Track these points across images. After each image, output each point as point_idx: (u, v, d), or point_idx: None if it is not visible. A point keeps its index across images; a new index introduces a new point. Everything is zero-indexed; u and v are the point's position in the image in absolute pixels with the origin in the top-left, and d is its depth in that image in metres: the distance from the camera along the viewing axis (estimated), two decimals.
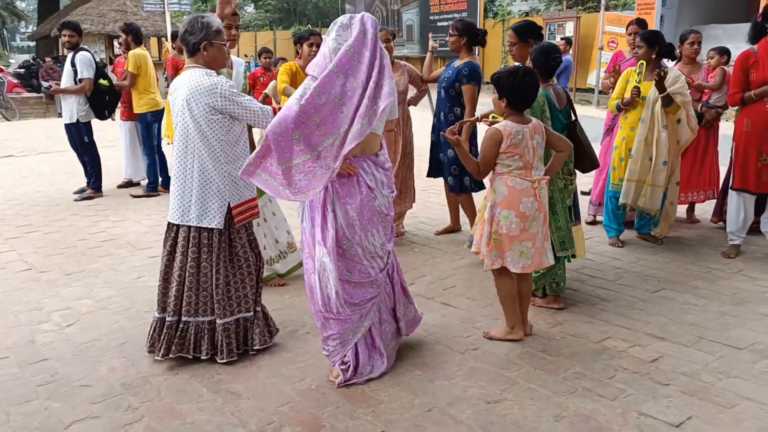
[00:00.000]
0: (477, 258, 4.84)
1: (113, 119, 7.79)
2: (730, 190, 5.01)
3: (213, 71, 3.22)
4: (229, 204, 3.26)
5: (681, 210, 5.80)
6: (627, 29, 6.00)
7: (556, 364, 3.31)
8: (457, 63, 5.12)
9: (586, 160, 4.08)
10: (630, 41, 5.93)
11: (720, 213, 5.71)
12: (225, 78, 3.22)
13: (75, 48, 6.97)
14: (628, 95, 4.96)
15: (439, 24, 22.89)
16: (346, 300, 3.10)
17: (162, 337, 3.34)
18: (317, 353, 3.42)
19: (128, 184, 7.82)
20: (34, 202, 7.08)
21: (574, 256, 4.04)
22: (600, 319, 3.86)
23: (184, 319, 3.33)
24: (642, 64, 4.95)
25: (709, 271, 4.67)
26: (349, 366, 3.17)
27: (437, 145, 5.33)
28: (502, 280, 3.55)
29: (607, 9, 16.97)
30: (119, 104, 7.52)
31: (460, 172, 5.17)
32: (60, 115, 11.45)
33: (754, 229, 5.17)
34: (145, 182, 7.49)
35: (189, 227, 3.27)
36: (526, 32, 4.30)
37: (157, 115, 7.23)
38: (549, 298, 4.06)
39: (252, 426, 2.83)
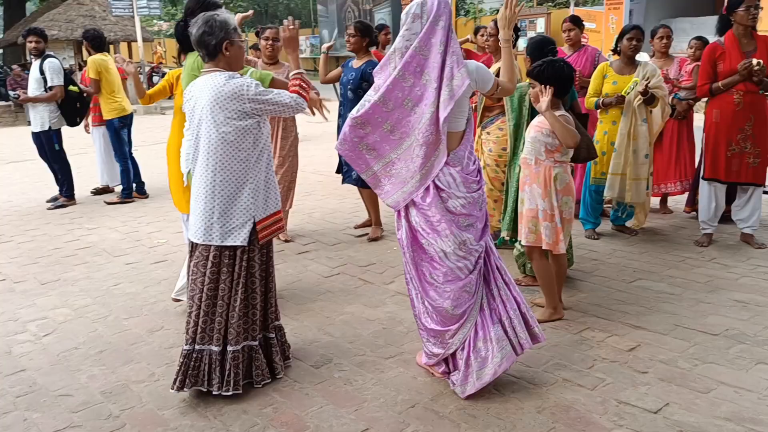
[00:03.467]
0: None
1: (87, 130, 7.71)
2: (701, 180, 5.10)
3: (236, 73, 2.99)
4: (254, 219, 3.02)
5: (654, 201, 5.89)
6: (562, 26, 5.98)
7: (536, 356, 3.34)
8: (357, 63, 5.20)
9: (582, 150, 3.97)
10: (565, 38, 5.96)
11: (693, 203, 5.81)
12: (249, 78, 2.98)
13: (41, 55, 6.88)
14: (607, 90, 5.03)
15: None
16: (432, 306, 2.99)
17: (179, 367, 3.03)
18: (299, 353, 3.42)
19: (104, 190, 7.73)
20: (7, 212, 6.97)
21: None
22: (578, 310, 3.91)
23: (197, 347, 3.02)
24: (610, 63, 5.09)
25: (683, 260, 4.75)
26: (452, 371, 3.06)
27: None
28: (543, 263, 3.74)
29: (576, 5, 17.18)
30: (90, 110, 7.44)
31: None
32: (30, 123, 11.27)
33: (726, 218, 5.27)
34: (119, 188, 7.41)
35: (210, 246, 2.99)
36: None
37: (125, 120, 7.16)
38: (529, 278, 4.29)
39: (236, 429, 2.82)
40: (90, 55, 7.08)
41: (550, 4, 22.89)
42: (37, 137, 7.04)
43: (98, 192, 7.71)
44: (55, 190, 7.38)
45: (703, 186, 5.07)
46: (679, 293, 4.13)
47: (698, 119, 5.86)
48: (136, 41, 18.43)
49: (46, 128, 6.91)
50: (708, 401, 2.89)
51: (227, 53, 2.96)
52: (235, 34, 2.99)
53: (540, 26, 17.83)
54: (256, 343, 3.12)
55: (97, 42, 7.11)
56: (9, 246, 5.72)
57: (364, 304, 4.12)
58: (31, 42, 6.84)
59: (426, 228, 2.93)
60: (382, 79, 2.91)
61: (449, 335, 3.00)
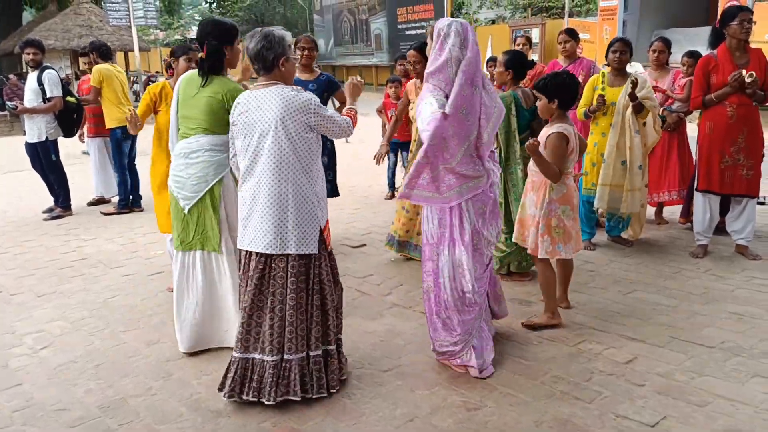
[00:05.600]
0: None
1: (81, 139, 7.70)
2: (695, 192, 5.13)
3: (300, 87, 3.09)
4: (320, 226, 3.10)
5: (650, 212, 5.92)
6: (558, 38, 6.06)
7: (533, 369, 3.35)
8: (309, 77, 5.25)
9: None
10: (561, 49, 6.03)
11: (688, 214, 5.84)
12: (311, 93, 3.10)
13: (39, 66, 6.89)
14: (595, 104, 5.07)
15: (407, 33, 23.05)
16: (471, 291, 3.28)
17: (263, 380, 3.03)
18: None
19: (99, 201, 7.72)
20: (2, 223, 6.96)
21: None
22: (575, 322, 3.92)
23: (286, 357, 3.04)
24: (604, 73, 5.11)
25: (679, 271, 4.78)
26: (470, 363, 3.31)
27: None
28: (547, 269, 3.86)
29: (571, 15, 17.27)
30: (86, 121, 7.45)
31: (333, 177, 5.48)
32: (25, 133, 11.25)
33: (721, 229, 5.29)
34: (116, 199, 7.40)
35: (287, 256, 3.02)
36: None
37: (127, 131, 7.14)
38: (515, 276, 4.64)
39: None
40: (97, 64, 7.11)
41: (545, 14, 23.01)
42: (32, 148, 7.02)
43: (94, 203, 7.70)
44: (50, 201, 7.36)
45: (698, 198, 5.10)
46: (675, 305, 4.14)
47: (692, 130, 5.91)
48: (133, 51, 18.44)
49: (43, 139, 6.92)
50: (705, 415, 2.90)
51: (283, 68, 3.07)
52: (290, 50, 3.11)
53: (535, 36, 17.93)
54: (333, 347, 3.20)
55: (103, 51, 7.14)
56: (5, 257, 5.71)
57: (362, 317, 4.12)
58: (28, 54, 6.85)
59: (485, 218, 3.26)
60: (443, 83, 3.19)
61: (468, 323, 3.31)
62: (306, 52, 5.22)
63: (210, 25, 3.57)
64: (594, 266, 4.94)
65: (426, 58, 5.04)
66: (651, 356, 3.46)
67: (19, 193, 8.63)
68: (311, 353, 3.09)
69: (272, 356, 3.03)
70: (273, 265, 3.05)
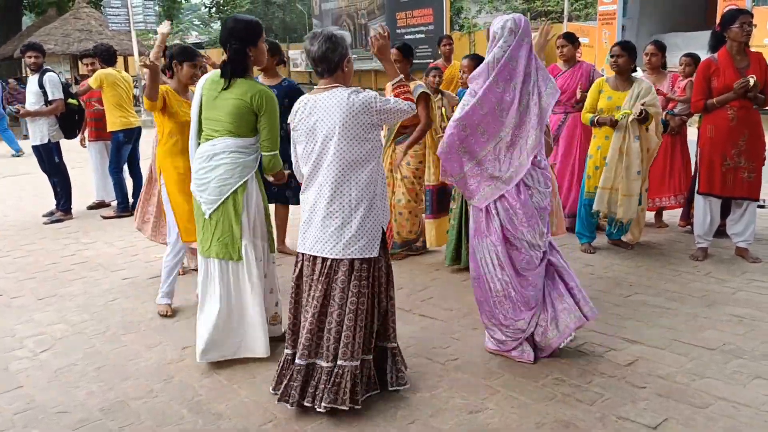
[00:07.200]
0: (453, 269, 4.94)
1: (83, 144, 7.71)
2: (696, 195, 5.14)
3: (359, 87, 3.03)
4: (382, 228, 3.08)
5: (649, 215, 5.92)
6: (556, 42, 6.05)
7: (534, 372, 3.35)
8: (271, 82, 5.17)
9: None
10: (559, 54, 6.03)
11: (687, 217, 5.85)
12: (371, 90, 3.02)
13: (39, 69, 6.91)
14: (602, 105, 5.07)
15: (406, 37, 23.08)
16: (517, 288, 3.41)
17: (319, 385, 2.96)
18: None
19: (99, 205, 7.72)
20: (2, 227, 6.95)
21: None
22: None
23: (339, 363, 2.95)
24: (610, 77, 5.13)
25: (679, 274, 4.78)
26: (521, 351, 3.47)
27: None
28: None
29: (570, 20, 17.32)
30: (87, 125, 7.46)
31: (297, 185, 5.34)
32: (26, 137, 11.27)
33: (721, 232, 5.30)
34: (115, 203, 7.40)
35: (351, 260, 2.97)
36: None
37: (130, 135, 7.14)
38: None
39: None
40: (102, 68, 7.12)
41: (544, 19, 23.08)
42: (37, 150, 7.07)
43: (94, 207, 7.70)
44: (50, 204, 7.37)
45: (698, 200, 5.10)
46: (675, 307, 4.14)
47: (692, 133, 5.92)
48: (132, 55, 18.47)
49: (46, 141, 6.95)
50: (706, 417, 2.90)
51: (345, 69, 3.02)
52: (350, 51, 3.05)
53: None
54: (395, 344, 3.24)
55: (107, 56, 7.15)
56: (5, 261, 5.70)
57: None
58: (30, 57, 6.88)
59: (515, 220, 3.35)
60: (478, 84, 3.33)
61: (524, 322, 3.43)
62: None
63: (231, 24, 3.42)
64: (594, 269, 4.94)
65: (407, 58, 5.11)
66: (652, 358, 3.46)
67: (19, 196, 8.63)
68: (365, 357, 3.03)
69: (327, 362, 2.97)
70: (336, 268, 2.98)
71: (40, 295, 4.80)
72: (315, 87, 3.07)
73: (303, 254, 3.08)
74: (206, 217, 3.46)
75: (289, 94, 5.10)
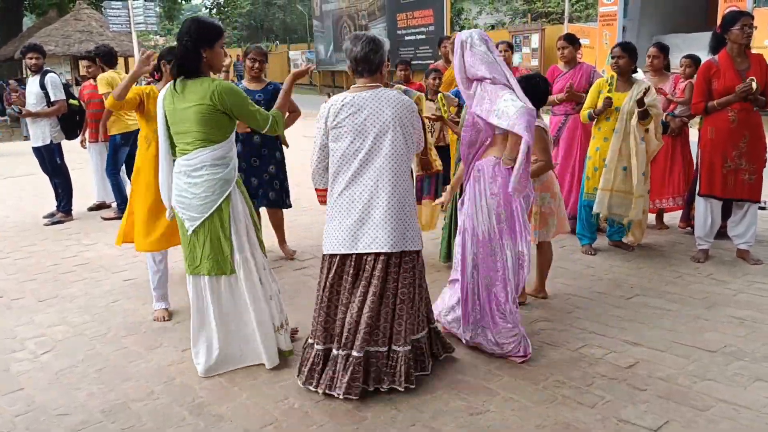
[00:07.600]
0: (449, 271, 4.94)
1: (83, 145, 7.71)
2: (697, 196, 5.14)
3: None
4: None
5: (651, 217, 5.92)
6: (557, 44, 6.05)
7: (535, 374, 3.35)
8: (256, 86, 5.20)
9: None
10: (560, 55, 6.03)
11: (688, 218, 5.85)
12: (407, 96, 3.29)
13: (39, 71, 6.92)
14: (600, 105, 5.07)
15: (406, 38, 23.11)
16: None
17: (379, 370, 3.17)
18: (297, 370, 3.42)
19: (100, 206, 7.72)
20: (3, 228, 6.95)
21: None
22: (576, 326, 3.92)
23: (394, 348, 3.17)
24: (613, 75, 5.10)
25: (680, 276, 4.78)
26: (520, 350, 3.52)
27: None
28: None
29: (570, 21, 17.33)
30: (87, 127, 7.47)
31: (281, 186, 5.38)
32: (26, 138, 11.28)
33: (722, 234, 5.30)
34: (116, 204, 7.40)
35: (402, 252, 3.15)
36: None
37: (127, 138, 7.13)
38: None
39: None
40: (103, 71, 7.11)
41: (544, 20, 23.10)
42: (38, 151, 7.07)
43: (94, 208, 7.70)
44: (50, 205, 7.37)
45: (699, 202, 5.10)
46: (676, 309, 4.14)
47: (693, 135, 5.92)
48: (133, 56, 18.48)
49: (48, 142, 6.95)
50: (707, 419, 2.90)
51: (383, 72, 3.22)
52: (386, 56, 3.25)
53: (534, 42, 17.98)
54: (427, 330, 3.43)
55: (108, 58, 7.13)
56: (6, 262, 5.70)
57: None
58: (31, 59, 6.88)
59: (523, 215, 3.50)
60: (501, 76, 3.39)
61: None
62: (257, 64, 5.16)
63: (189, 23, 3.32)
64: (595, 271, 4.94)
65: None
66: (653, 360, 3.46)
67: (19, 197, 8.63)
68: (417, 339, 3.29)
69: (381, 347, 3.17)
70: (394, 261, 3.14)
71: (41, 296, 4.80)
72: (353, 86, 3.20)
73: (349, 254, 3.15)
74: (190, 233, 3.37)
75: (275, 98, 5.07)
